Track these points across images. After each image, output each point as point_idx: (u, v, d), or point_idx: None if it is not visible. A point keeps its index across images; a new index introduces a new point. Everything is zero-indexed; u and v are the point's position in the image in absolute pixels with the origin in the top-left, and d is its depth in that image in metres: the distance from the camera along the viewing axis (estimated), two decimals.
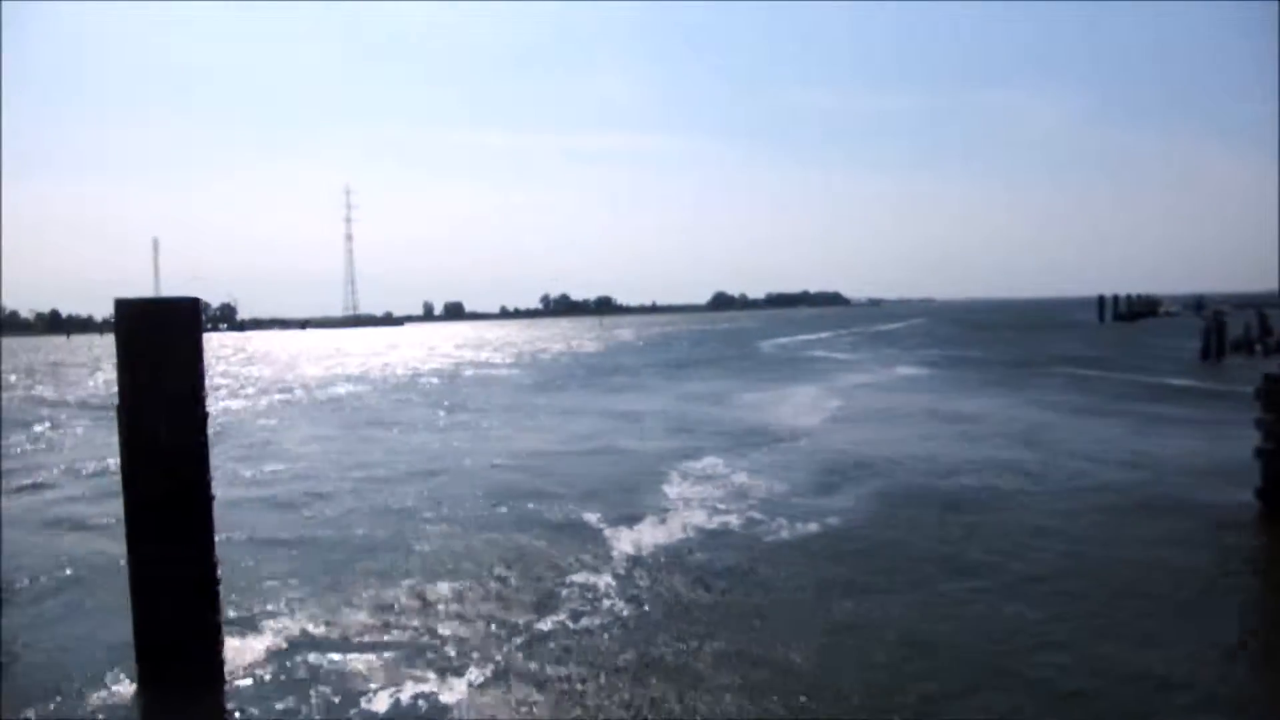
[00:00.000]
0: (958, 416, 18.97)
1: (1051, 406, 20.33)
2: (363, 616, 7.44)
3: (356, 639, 6.94)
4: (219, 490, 6.32)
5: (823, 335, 70.49)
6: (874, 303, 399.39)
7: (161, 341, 5.87)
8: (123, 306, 5.91)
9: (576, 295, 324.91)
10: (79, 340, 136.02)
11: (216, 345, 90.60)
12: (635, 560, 8.92)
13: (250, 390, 33.34)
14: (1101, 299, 74.05)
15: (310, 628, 7.18)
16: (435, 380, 35.98)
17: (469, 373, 40.33)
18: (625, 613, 7.41)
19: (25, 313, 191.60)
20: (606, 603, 7.67)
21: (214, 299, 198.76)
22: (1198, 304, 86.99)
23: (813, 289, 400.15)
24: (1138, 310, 75.73)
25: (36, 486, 13.98)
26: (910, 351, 45.43)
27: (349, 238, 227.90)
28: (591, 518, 10.81)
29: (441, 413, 23.32)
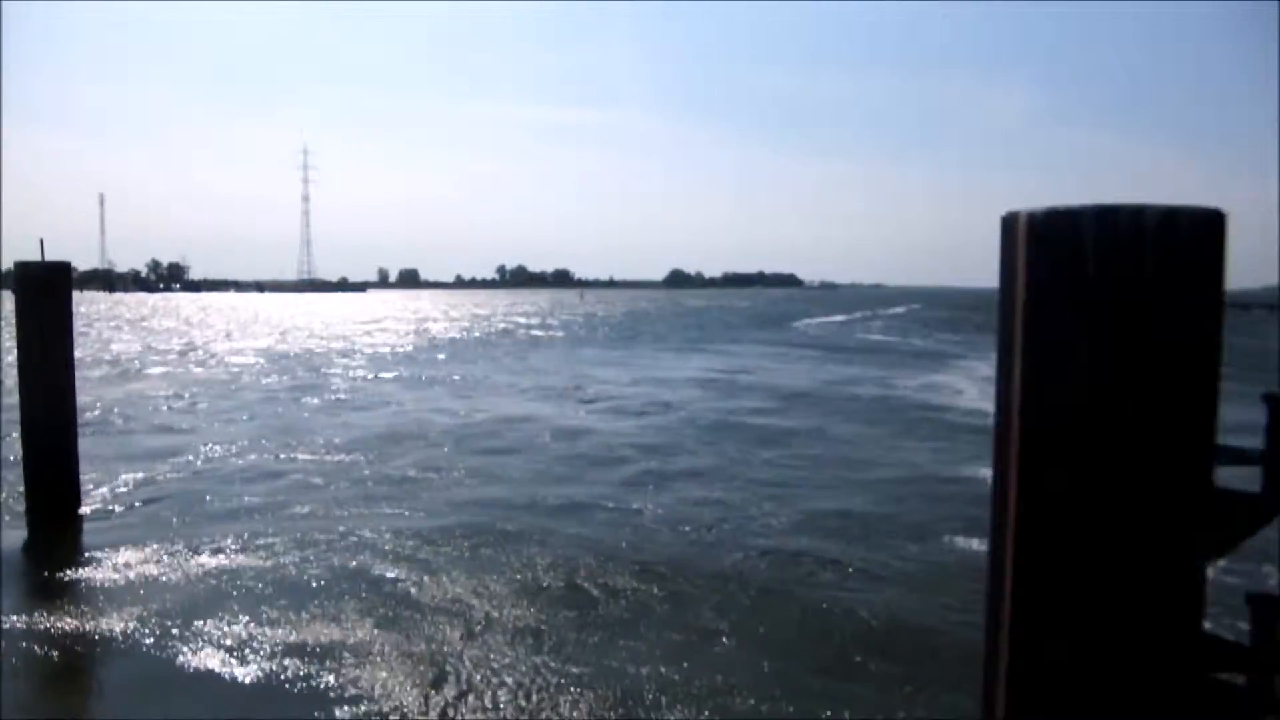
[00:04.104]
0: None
1: None
2: None
3: None
4: None
5: (838, 318, 67.08)
6: (828, 286, 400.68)
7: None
8: None
9: (534, 267, 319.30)
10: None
11: (303, 310, 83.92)
12: None
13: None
14: None
15: None
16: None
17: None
18: None
19: None
20: None
21: (163, 258, 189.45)
22: None
23: (768, 270, 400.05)
24: None
25: None
26: (971, 335, 42.23)
27: (305, 199, 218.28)
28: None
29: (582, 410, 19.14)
